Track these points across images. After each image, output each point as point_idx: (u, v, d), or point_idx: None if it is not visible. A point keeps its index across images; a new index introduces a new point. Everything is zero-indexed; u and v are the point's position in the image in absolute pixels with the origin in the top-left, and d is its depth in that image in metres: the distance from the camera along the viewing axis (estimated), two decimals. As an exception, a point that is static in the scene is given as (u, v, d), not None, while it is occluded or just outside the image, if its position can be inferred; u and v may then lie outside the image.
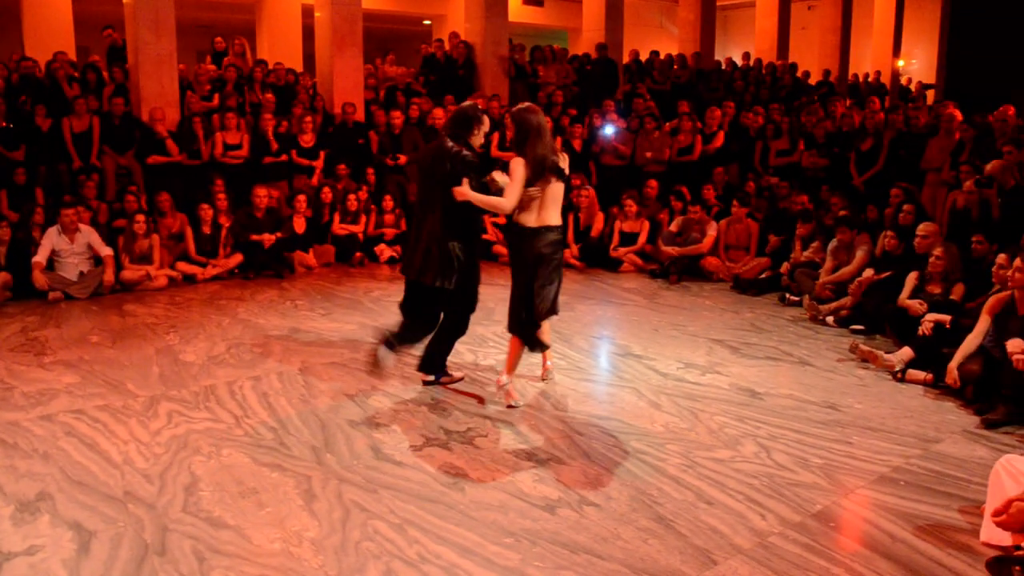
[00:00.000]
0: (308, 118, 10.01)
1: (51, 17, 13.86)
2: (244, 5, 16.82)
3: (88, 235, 7.82)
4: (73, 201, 8.02)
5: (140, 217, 8.14)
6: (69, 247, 7.71)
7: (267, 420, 4.55)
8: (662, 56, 14.56)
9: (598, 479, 3.81)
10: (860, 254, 7.09)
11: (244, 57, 11.59)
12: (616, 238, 9.22)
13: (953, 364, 4.94)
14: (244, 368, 5.50)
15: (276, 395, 4.95)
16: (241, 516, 3.44)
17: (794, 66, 15.72)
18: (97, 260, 7.85)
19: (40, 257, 7.55)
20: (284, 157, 9.76)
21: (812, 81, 15.91)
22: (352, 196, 9.49)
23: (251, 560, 3.12)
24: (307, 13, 14.14)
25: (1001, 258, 5.32)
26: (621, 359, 5.79)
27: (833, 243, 7.35)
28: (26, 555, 3.13)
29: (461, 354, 5.77)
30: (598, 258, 9.19)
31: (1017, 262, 4.80)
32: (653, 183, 9.76)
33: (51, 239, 7.66)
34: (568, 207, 9.57)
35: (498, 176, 4.79)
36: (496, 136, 10.42)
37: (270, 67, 11.49)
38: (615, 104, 11.46)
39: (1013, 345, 4.60)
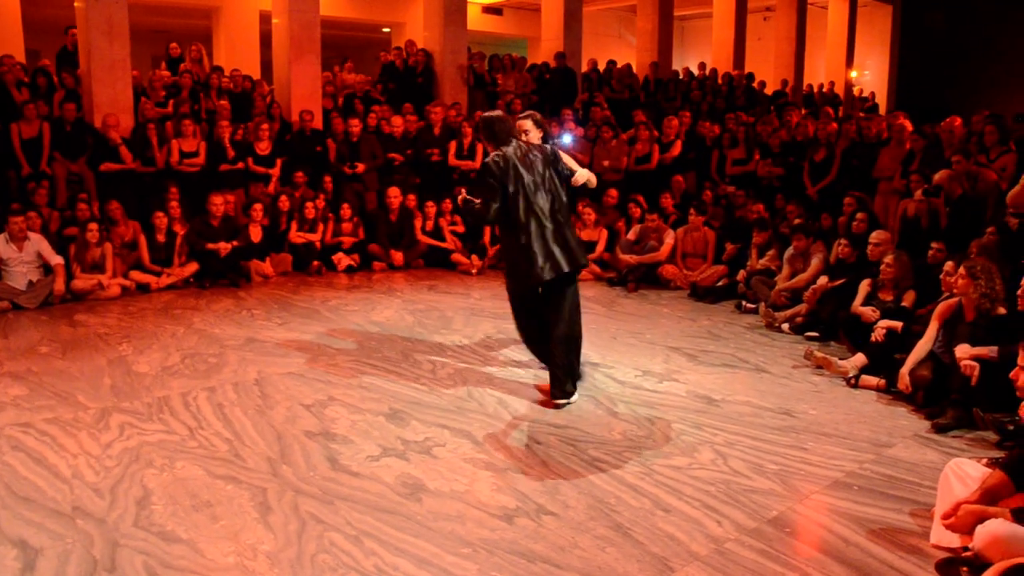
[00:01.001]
0: (265, 125, 9.91)
1: None
2: (201, 11, 16.61)
3: (38, 243, 7.65)
4: (22, 208, 7.84)
5: (93, 225, 7.99)
6: (17, 255, 7.54)
7: (222, 431, 4.48)
8: (620, 65, 14.68)
9: (556, 488, 3.81)
10: (815, 262, 7.20)
11: (200, 63, 11.46)
12: (575, 246, 9.24)
13: (904, 370, 5.03)
14: (199, 379, 5.42)
15: (231, 406, 4.88)
16: (194, 530, 3.38)
17: (750, 76, 15.96)
18: (47, 269, 7.69)
19: (-13, 266, 7.38)
20: (240, 165, 9.65)
21: (768, 91, 16.16)
22: (310, 204, 9.41)
23: (204, 575, 3.07)
24: (265, 20, 14.02)
25: (948, 265, 5.43)
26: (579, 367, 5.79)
27: (789, 251, 7.46)
28: (-31, 573, 3.05)
29: (419, 364, 5.76)
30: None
31: (961, 270, 4.91)
32: (613, 192, 9.81)
33: (-2, 247, 7.49)
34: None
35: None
36: (453, 144, 10.42)
37: (227, 74, 11.36)
38: (573, 113, 11.53)
39: (961, 351, 4.70)
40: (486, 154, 5.18)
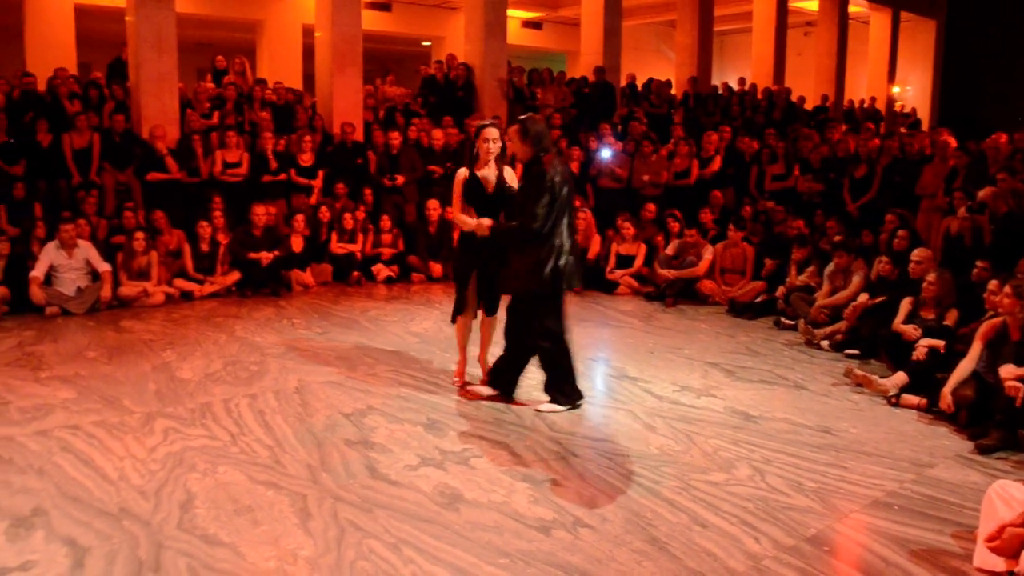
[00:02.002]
0: (307, 137, 10.06)
1: (53, 34, 13.95)
2: (245, 24, 16.93)
3: (86, 251, 7.84)
4: (72, 216, 8.04)
5: (139, 234, 8.17)
6: (67, 262, 7.72)
7: (263, 438, 4.56)
8: (659, 80, 14.68)
9: (593, 500, 3.82)
10: (856, 279, 7.14)
11: (244, 76, 11.67)
12: (612, 261, 9.26)
13: (947, 389, 4.97)
14: (240, 386, 5.51)
15: (272, 413, 4.96)
16: (236, 534, 3.45)
17: (789, 91, 15.87)
18: (95, 276, 7.87)
19: (38, 272, 7.56)
20: (283, 176, 9.80)
21: (808, 106, 16.05)
22: (349, 215, 9.53)
23: (246, 578, 3.13)
24: (308, 33, 14.25)
25: (992, 284, 5.36)
26: (616, 381, 5.81)
27: (830, 267, 7.40)
28: (20, 571, 3.13)
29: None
30: (594, 280, 9.21)
31: (1007, 288, 4.85)
32: (651, 206, 9.81)
33: (49, 254, 7.67)
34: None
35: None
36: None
37: (270, 86, 11.55)
38: (612, 127, 11.55)
39: (1006, 371, 4.63)
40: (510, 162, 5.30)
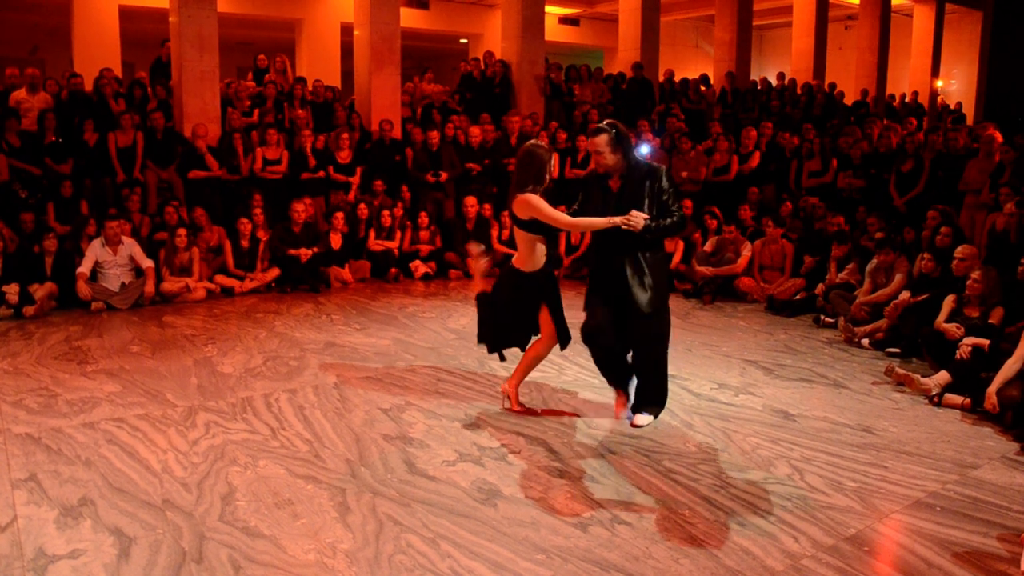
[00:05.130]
0: (346, 135, 10.15)
1: (99, 34, 14.25)
2: (285, 23, 17.11)
3: (130, 247, 7.99)
4: (117, 214, 8.21)
5: (181, 231, 8.31)
6: (112, 259, 7.88)
7: (302, 432, 4.61)
8: (696, 76, 14.59)
9: (630, 498, 3.82)
10: (899, 276, 7.04)
11: (285, 74, 11.80)
12: (650, 257, 9.20)
13: (992, 389, 4.88)
14: (280, 381, 5.58)
15: (312, 408, 5.02)
16: (276, 527, 3.50)
17: (832, 86, 15.67)
18: (138, 272, 8.02)
19: (84, 268, 7.73)
20: (322, 173, 9.91)
21: (848, 101, 15.84)
22: (386, 212, 9.60)
23: (286, 570, 3.17)
24: (346, 31, 14.36)
25: (1041, 282, 5.26)
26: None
27: (872, 264, 7.29)
28: (69, 558, 3.21)
29: (495, 371, 5.82)
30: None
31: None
32: (687, 203, 9.74)
33: (95, 251, 7.84)
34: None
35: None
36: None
37: (309, 85, 11.67)
38: (649, 124, 11.49)
39: (1053, 371, 4.54)
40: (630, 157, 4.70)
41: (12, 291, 7.36)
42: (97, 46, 14.12)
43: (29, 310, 7.36)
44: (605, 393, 5.35)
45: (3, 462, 4.14)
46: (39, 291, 7.49)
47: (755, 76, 16.30)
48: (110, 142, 9.30)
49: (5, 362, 5.96)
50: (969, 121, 17.34)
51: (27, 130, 9.16)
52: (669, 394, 4.96)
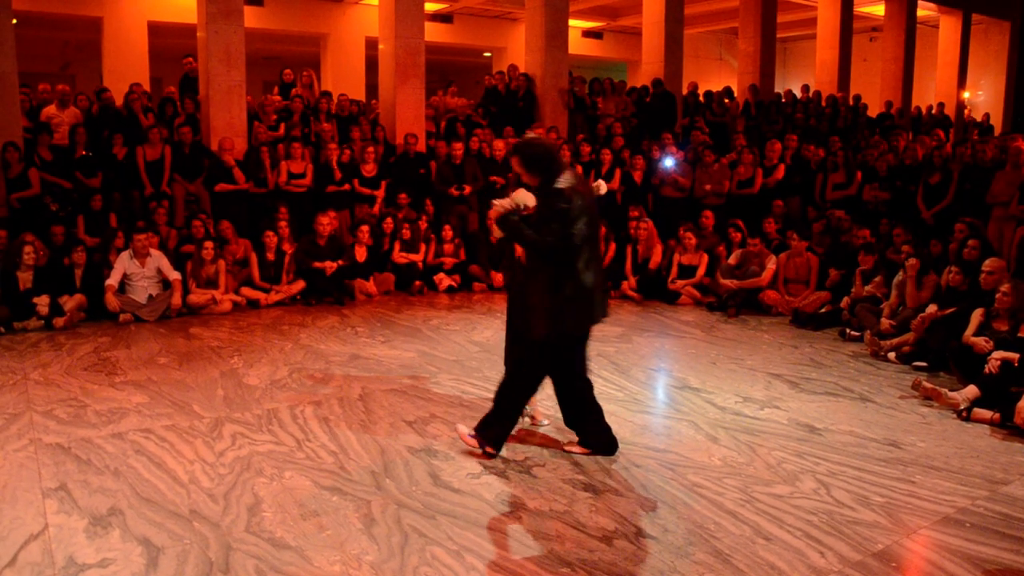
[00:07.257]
0: (370, 148, 10.23)
1: (128, 50, 14.47)
2: (310, 38, 17.29)
3: (158, 260, 8.09)
4: (145, 227, 8.31)
5: (208, 243, 8.40)
6: (140, 271, 7.98)
7: (328, 444, 4.64)
8: (719, 89, 14.56)
9: (655, 511, 3.81)
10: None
11: (311, 88, 11.91)
12: (674, 270, 9.20)
13: (1023, 404, 4.82)
14: (306, 393, 5.62)
15: (337, 420, 5.05)
16: (302, 538, 3.52)
17: (857, 98, 15.59)
18: (165, 284, 8.11)
19: (113, 280, 7.83)
20: (347, 186, 9.98)
21: (873, 113, 15.74)
22: (410, 225, 9.65)
23: (312, 581, 3.19)
24: (371, 45, 14.50)
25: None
26: (678, 392, 5.77)
27: (899, 277, 7.23)
28: (99, 567, 3.25)
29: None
30: (656, 290, 9.18)
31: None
32: (708, 214, 9.73)
33: (123, 263, 7.94)
34: (627, 239, 9.61)
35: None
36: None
37: (335, 98, 11.78)
38: (673, 137, 11.48)
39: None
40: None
41: (43, 303, 7.48)
42: (126, 61, 14.35)
43: (59, 321, 7.46)
44: (628, 406, 5.35)
45: (34, 471, 4.20)
46: (69, 303, 7.60)
47: (779, 88, 16.26)
48: (138, 156, 9.43)
49: (36, 373, 6.05)
50: (997, 132, 17.17)
51: (58, 144, 9.31)
52: (693, 407, 4.86)
